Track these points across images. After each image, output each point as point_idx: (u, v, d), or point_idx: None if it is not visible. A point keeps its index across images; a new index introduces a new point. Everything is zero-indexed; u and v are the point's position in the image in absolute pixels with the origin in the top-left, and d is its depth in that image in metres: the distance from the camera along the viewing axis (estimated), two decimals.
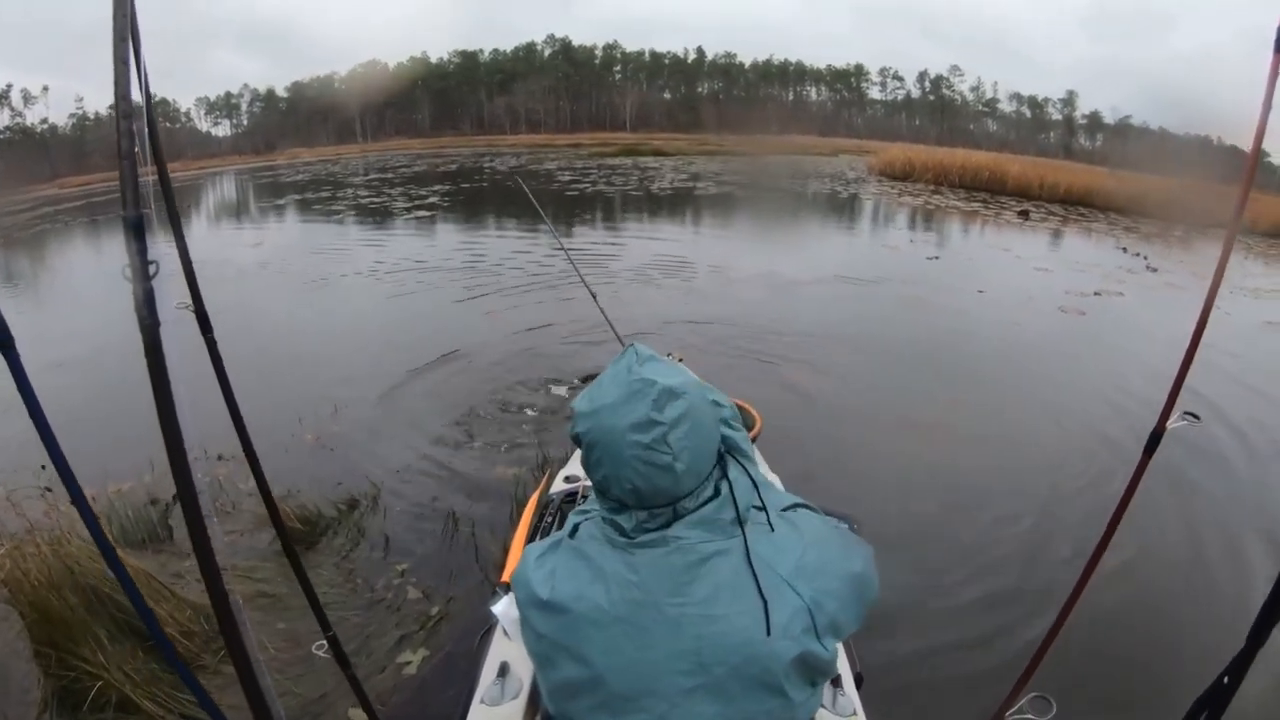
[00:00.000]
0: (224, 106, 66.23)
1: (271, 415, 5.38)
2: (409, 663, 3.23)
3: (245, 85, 67.87)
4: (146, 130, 1.51)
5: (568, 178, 28.42)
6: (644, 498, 1.21)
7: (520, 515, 4.16)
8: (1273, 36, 1.91)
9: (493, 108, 72.37)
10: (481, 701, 1.88)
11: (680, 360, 4.22)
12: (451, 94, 70.83)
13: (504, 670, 1.92)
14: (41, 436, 1.45)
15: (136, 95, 1.31)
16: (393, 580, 3.79)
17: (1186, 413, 2.23)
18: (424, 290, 10.41)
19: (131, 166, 1.26)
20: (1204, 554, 4.29)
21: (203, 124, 66.37)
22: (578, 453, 3.44)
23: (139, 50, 1.34)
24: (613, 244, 14.26)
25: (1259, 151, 2.26)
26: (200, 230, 18.62)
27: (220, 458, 4.87)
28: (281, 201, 24.08)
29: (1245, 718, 2.73)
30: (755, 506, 1.31)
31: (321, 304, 10.09)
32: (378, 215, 19.35)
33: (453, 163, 37.58)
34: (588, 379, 6.25)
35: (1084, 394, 6.67)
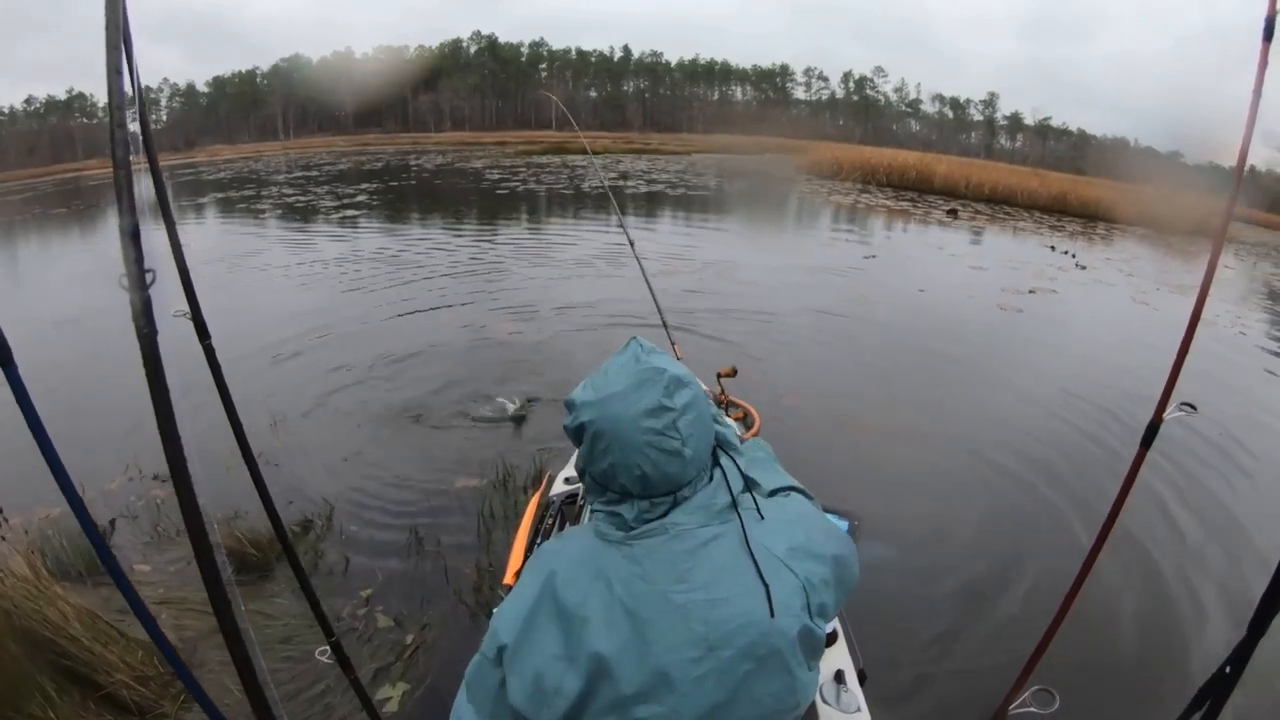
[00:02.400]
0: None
1: (206, 430, 5.05)
2: (389, 698, 3.01)
3: (165, 80, 65.50)
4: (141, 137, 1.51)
5: (496, 176, 28.11)
6: (651, 485, 1.21)
7: (511, 524, 4.00)
8: (1260, 27, 2.00)
9: (417, 105, 71.32)
10: None
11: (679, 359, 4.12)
12: (376, 90, 69.45)
13: None
14: (43, 452, 1.42)
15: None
16: (358, 609, 3.52)
17: (1183, 403, 2.26)
18: (361, 291, 9.93)
19: (127, 175, 1.27)
20: (1204, 544, 4.36)
21: None
22: (577, 455, 3.33)
23: (131, 57, 1.38)
24: (558, 239, 14.25)
25: (1246, 153, 2.27)
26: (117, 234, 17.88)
27: (156, 478, 4.57)
28: (204, 200, 23.09)
29: (1247, 707, 2.75)
30: (745, 493, 1.32)
31: (251, 309, 9.51)
32: (305, 214, 18.69)
33: (378, 160, 36.86)
34: (531, 397, 6.06)
35: (1048, 388, 6.81)
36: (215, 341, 2.11)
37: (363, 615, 3.47)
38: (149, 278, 1.27)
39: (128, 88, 1.36)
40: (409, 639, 3.34)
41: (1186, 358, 2.28)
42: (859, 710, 1.91)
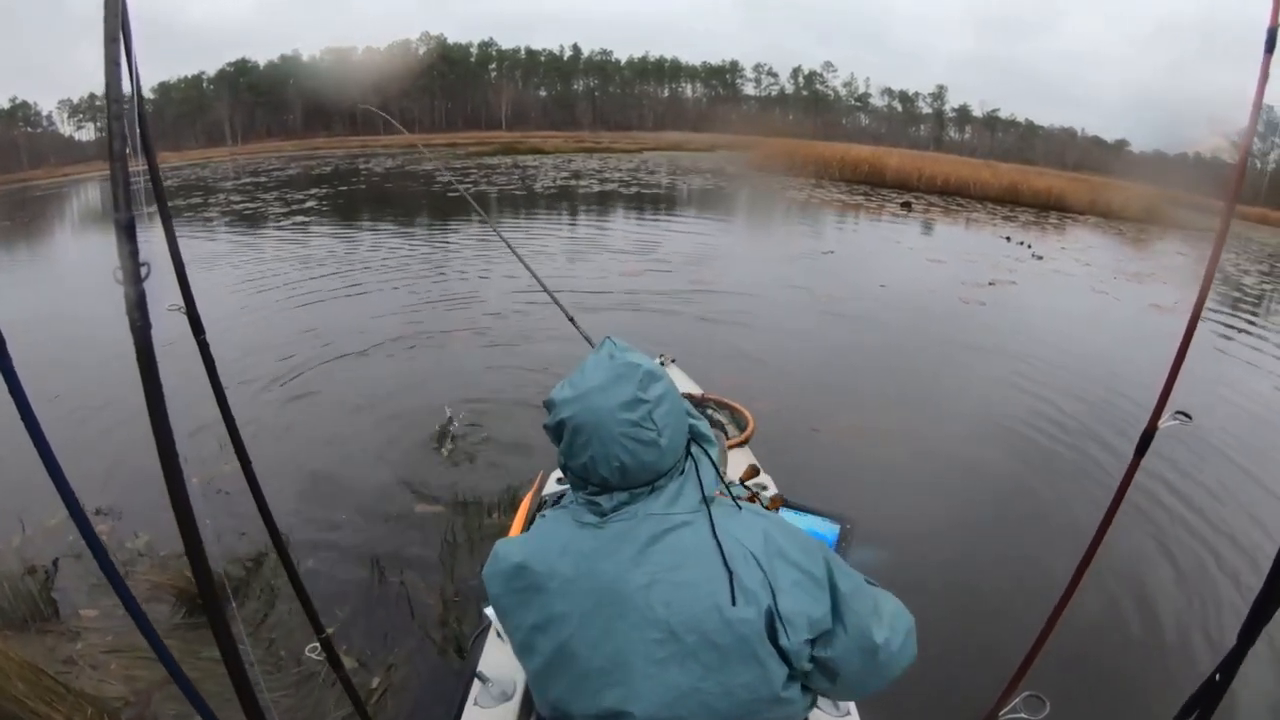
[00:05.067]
0: (88, 109, 61.83)
1: (148, 453, 4.76)
2: None
3: None
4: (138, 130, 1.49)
5: (448, 178, 27.72)
6: (630, 475, 1.26)
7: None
8: (1263, 37, 1.90)
9: (366, 107, 70.28)
10: (475, 704, 1.93)
11: (673, 361, 4.17)
12: (324, 93, 68.29)
13: (497, 673, 1.97)
14: (39, 450, 1.46)
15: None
16: (282, 693, 3.22)
17: (1178, 412, 2.20)
18: (311, 302, 9.51)
19: (123, 167, 1.26)
20: (1196, 553, 4.36)
21: (66, 128, 61.98)
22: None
23: (130, 50, 1.36)
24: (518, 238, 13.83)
25: (1248, 152, 2.25)
26: (63, 241, 17.37)
27: (99, 512, 4.31)
28: (150, 209, 22.39)
29: (1238, 715, 2.71)
30: (720, 488, 1.37)
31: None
32: (253, 221, 18.08)
33: (327, 165, 36.22)
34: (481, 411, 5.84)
35: (1021, 383, 6.87)
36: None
37: (324, 659, 3.27)
38: (143, 271, 1.27)
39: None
40: (375, 682, 3.15)
41: (1183, 365, 2.23)
42: (849, 715, 1.97)
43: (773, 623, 1.22)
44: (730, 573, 1.23)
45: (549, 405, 1.31)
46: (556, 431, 1.30)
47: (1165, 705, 1.78)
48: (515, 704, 1.91)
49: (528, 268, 3.70)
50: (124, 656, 3.21)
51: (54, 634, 3.39)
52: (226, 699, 2.61)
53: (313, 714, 3.02)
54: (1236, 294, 12.91)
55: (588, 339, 3.29)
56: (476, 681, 1.99)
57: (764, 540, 1.28)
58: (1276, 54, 1.95)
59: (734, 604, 1.21)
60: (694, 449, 1.35)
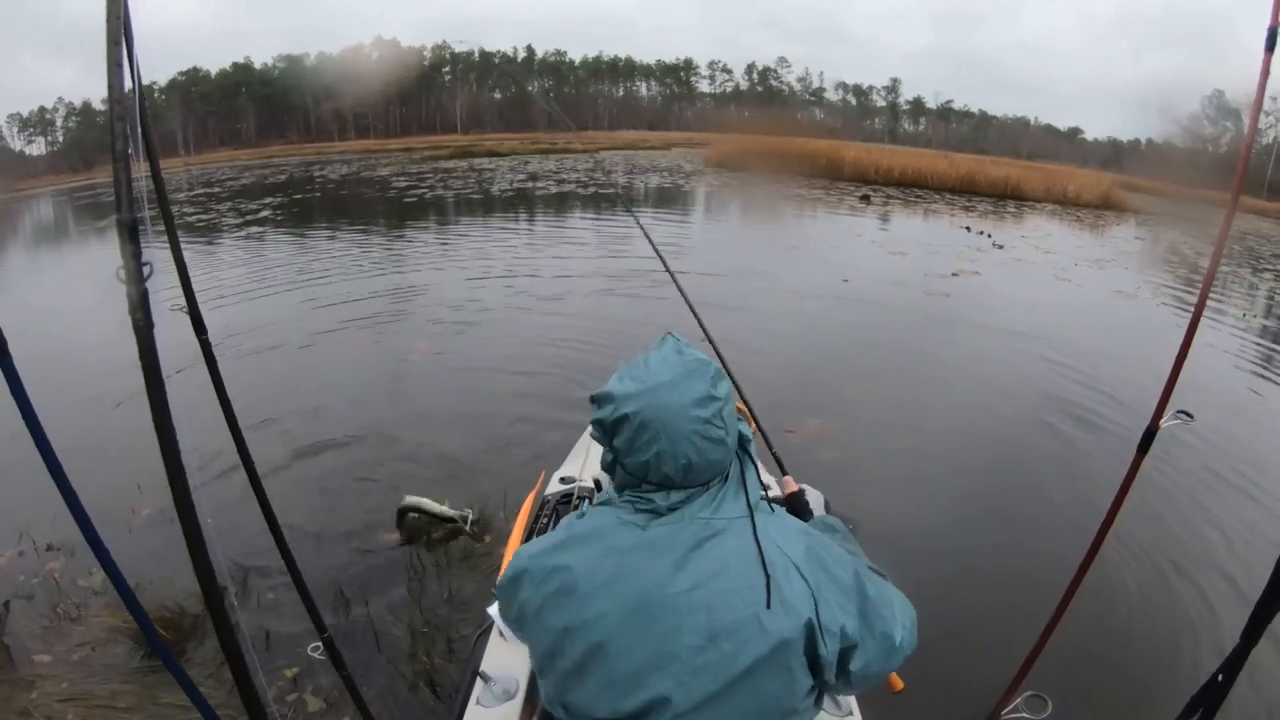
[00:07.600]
0: (38, 123, 60.40)
1: (103, 480, 4.42)
2: None
3: (60, 99, 61.96)
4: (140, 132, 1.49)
5: (404, 183, 27.44)
6: (693, 473, 1.24)
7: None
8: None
9: (320, 113, 69.50)
10: (478, 703, 1.92)
11: None
12: (277, 100, 67.34)
13: (500, 672, 1.97)
14: (39, 447, 1.46)
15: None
16: (285, 692, 3.13)
17: (1180, 411, 2.22)
18: (260, 316, 9.05)
19: (125, 169, 1.30)
20: (1198, 552, 4.38)
21: (15, 143, 60.51)
22: (572, 454, 3.32)
23: (132, 52, 1.37)
24: (474, 248, 13.91)
25: (1250, 149, 2.28)
26: (16, 259, 16.90)
27: (50, 548, 4.11)
28: (103, 224, 21.67)
29: (1240, 715, 2.62)
30: (761, 493, 1.34)
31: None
32: (206, 232, 17.50)
33: (281, 173, 35.61)
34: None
35: (1000, 376, 6.94)
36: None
37: (291, 700, 3.08)
38: (146, 271, 1.29)
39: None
40: (376, 681, 3.10)
41: (1185, 364, 2.22)
42: (851, 714, 1.95)
43: (812, 634, 1.21)
44: (768, 580, 1.21)
45: (602, 399, 1.28)
46: (613, 427, 1.26)
47: (1168, 705, 1.77)
48: (518, 703, 1.91)
49: (665, 265, 3.53)
50: (80, 705, 3.05)
51: (7, 683, 3.20)
52: None
53: (314, 714, 3.02)
54: (1196, 276, 13.12)
55: (708, 337, 3.14)
56: (479, 680, 1.98)
57: (806, 550, 1.27)
58: (1277, 53, 1.94)
59: (773, 613, 1.20)
60: (739, 452, 1.33)
